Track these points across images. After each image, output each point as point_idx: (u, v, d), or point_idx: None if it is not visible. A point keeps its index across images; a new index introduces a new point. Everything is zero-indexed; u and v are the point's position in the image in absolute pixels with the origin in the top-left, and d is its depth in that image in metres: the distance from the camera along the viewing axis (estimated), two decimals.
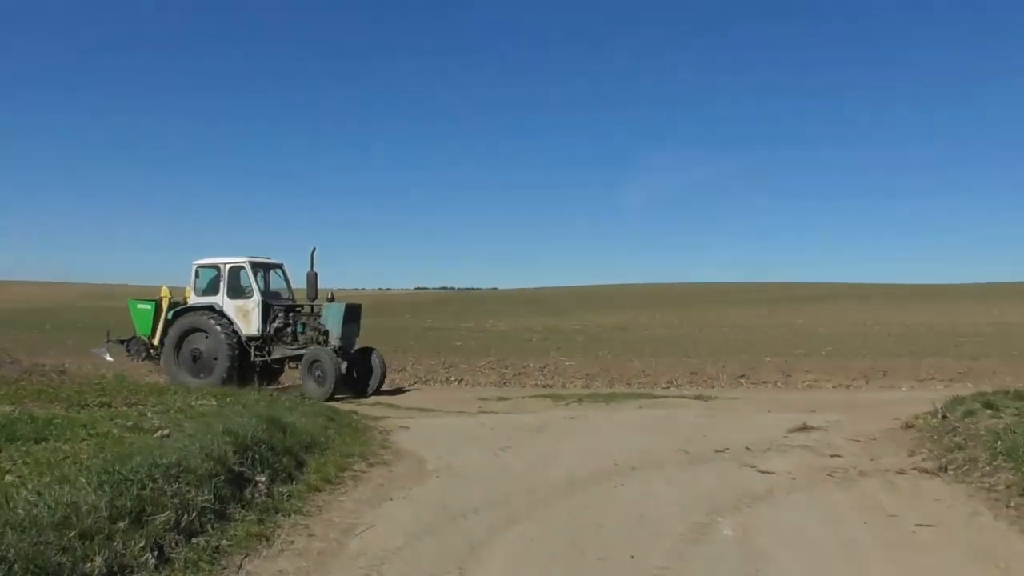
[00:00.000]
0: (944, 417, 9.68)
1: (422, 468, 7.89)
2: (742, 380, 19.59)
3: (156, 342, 17.00)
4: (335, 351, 15.48)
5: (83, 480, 4.92)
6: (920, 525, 5.84)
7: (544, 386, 18.62)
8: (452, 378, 20.26)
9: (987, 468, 7.18)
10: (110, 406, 10.36)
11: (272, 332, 16.31)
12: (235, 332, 16.06)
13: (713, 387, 18.28)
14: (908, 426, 10.09)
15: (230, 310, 16.28)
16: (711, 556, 5.12)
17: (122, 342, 17.94)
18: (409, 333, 36.18)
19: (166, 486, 5.14)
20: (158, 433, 8.53)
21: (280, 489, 6.26)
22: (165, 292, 17.49)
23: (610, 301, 78.45)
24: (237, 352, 15.90)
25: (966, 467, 7.42)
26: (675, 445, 9.19)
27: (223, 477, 5.69)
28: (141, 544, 4.42)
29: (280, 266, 17.46)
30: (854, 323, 41.75)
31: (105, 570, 4.10)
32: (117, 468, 5.16)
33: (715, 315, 51.46)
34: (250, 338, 16.18)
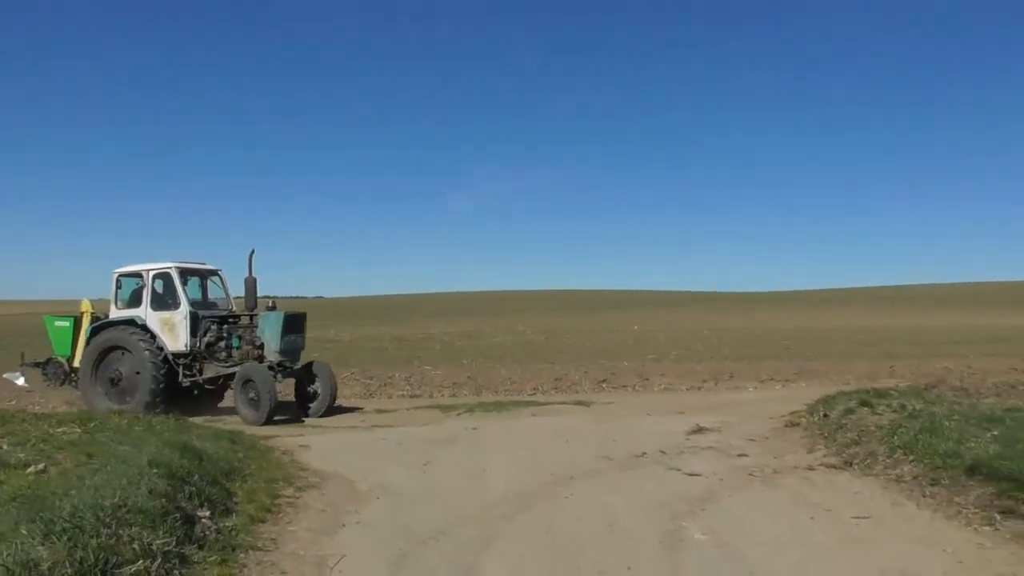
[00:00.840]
0: (825, 416, 10.51)
1: (355, 489, 7.46)
2: (604, 384, 20.20)
3: (76, 363, 14.80)
4: (272, 367, 13.64)
5: (23, 532, 4.21)
6: (856, 517, 6.27)
7: (412, 396, 18.25)
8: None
9: (888, 461, 7.86)
10: None
11: (203, 348, 14.19)
12: (160, 349, 13.96)
13: (578, 392, 18.72)
14: (792, 424, 10.87)
15: (154, 324, 14.17)
16: (704, 561, 5.22)
17: (37, 365, 15.59)
18: None
19: (120, 531, 4.49)
20: (30, 469, 7.58)
21: (224, 524, 5.68)
22: (86, 306, 15.18)
23: (448, 309, 78.65)
24: (163, 372, 13.77)
25: (867, 461, 8.08)
26: (593, 452, 9.32)
27: (175, 516, 5.07)
28: None
29: (216, 272, 15.39)
30: (685, 328, 44.46)
31: None
32: (60, 516, 4.45)
33: (553, 322, 52.91)
34: (177, 355, 14.06)
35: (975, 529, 5.72)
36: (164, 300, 14.37)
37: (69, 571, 3.84)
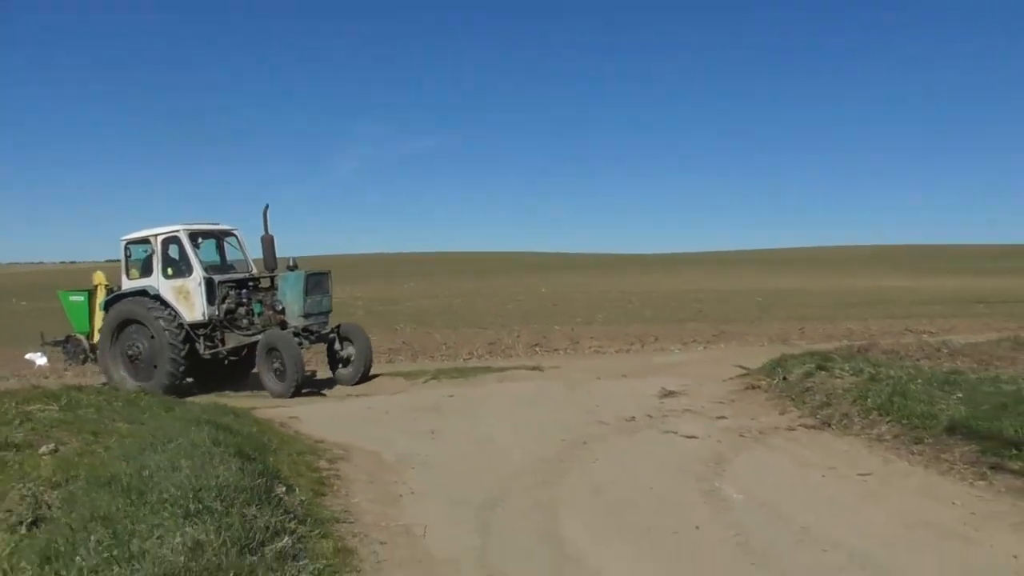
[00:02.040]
0: (785, 379, 11.36)
1: (382, 460, 7.65)
2: (536, 348, 20.75)
3: (96, 340, 13.99)
4: (297, 333, 12.80)
5: (166, 515, 4.26)
6: (861, 474, 7.00)
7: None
8: None
9: (864, 422, 8.66)
10: None
11: (222, 316, 13.19)
12: (177, 320, 12.97)
13: (511, 356, 19.19)
14: (752, 387, 11.66)
15: (168, 293, 13.16)
16: (758, 520, 5.74)
17: (57, 343, 14.74)
18: None
19: (243, 510, 4.58)
20: (42, 449, 7.44)
21: (298, 498, 5.78)
22: (99, 278, 14.23)
23: (351, 272, 77.48)
24: (182, 345, 12.82)
25: (843, 422, 8.86)
26: (583, 418, 9.78)
27: (274, 493, 5.16)
28: None
29: (232, 232, 14.31)
30: (594, 291, 45.77)
31: None
32: (183, 496, 4.49)
33: (466, 286, 53.22)
34: (196, 325, 13.05)
35: (971, 483, 6.50)
36: (176, 266, 13.40)
37: (232, 550, 3.93)
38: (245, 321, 13.40)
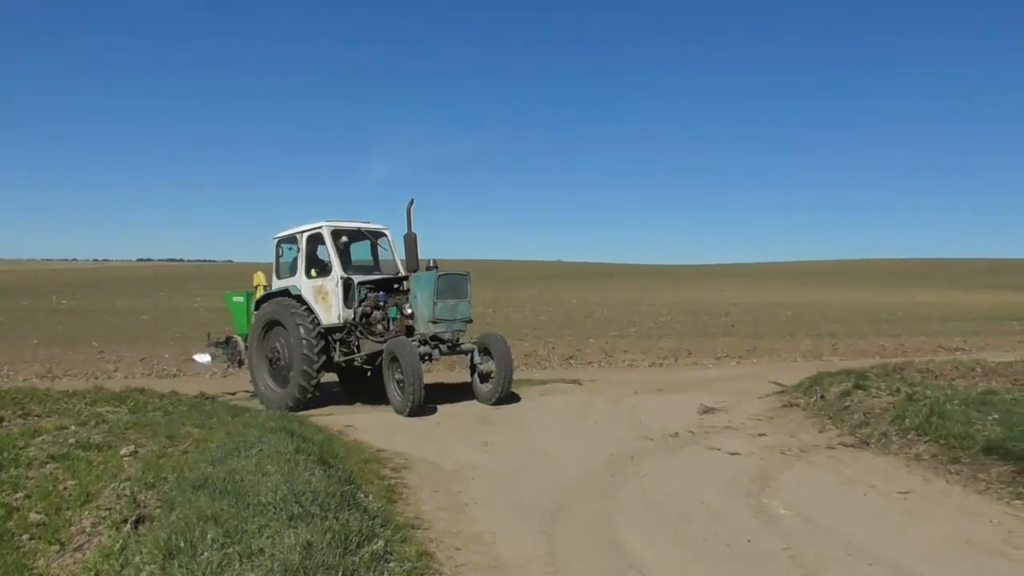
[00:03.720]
0: (822, 397, 11.66)
1: (443, 470, 8.09)
2: (571, 361, 21.15)
3: None
4: (424, 342, 11.90)
5: (272, 517, 4.74)
6: (901, 492, 7.30)
7: None
8: None
9: (902, 442, 8.96)
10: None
11: (357, 319, 12.44)
12: (316, 323, 12.38)
13: (546, 368, 19.61)
14: (791, 405, 11.97)
15: (308, 293, 12.68)
16: (805, 535, 6.08)
17: (219, 344, 14.82)
18: (200, 315, 33.86)
19: (338, 514, 5.04)
20: (123, 451, 7.92)
21: (373, 504, 6.23)
22: (259, 279, 14.18)
23: None
24: (318, 350, 12.12)
25: (882, 441, 9.17)
26: (629, 432, 10.16)
27: (358, 499, 5.62)
28: None
29: (382, 233, 13.68)
30: (625, 301, 46.03)
31: None
32: (284, 501, 4.97)
33: (491, 295, 53.70)
34: (332, 329, 12.45)
35: (1008, 503, 6.81)
36: (319, 266, 12.91)
37: (337, 551, 4.38)
38: (380, 326, 12.51)
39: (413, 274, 12.32)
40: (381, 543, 4.75)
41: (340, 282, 12.30)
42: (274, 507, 4.95)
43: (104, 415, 9.78)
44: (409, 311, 12.19)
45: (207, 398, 11.77)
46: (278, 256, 13.53)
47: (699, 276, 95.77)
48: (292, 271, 13.14)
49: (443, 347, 12.06)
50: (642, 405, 12.38)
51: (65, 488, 6.47)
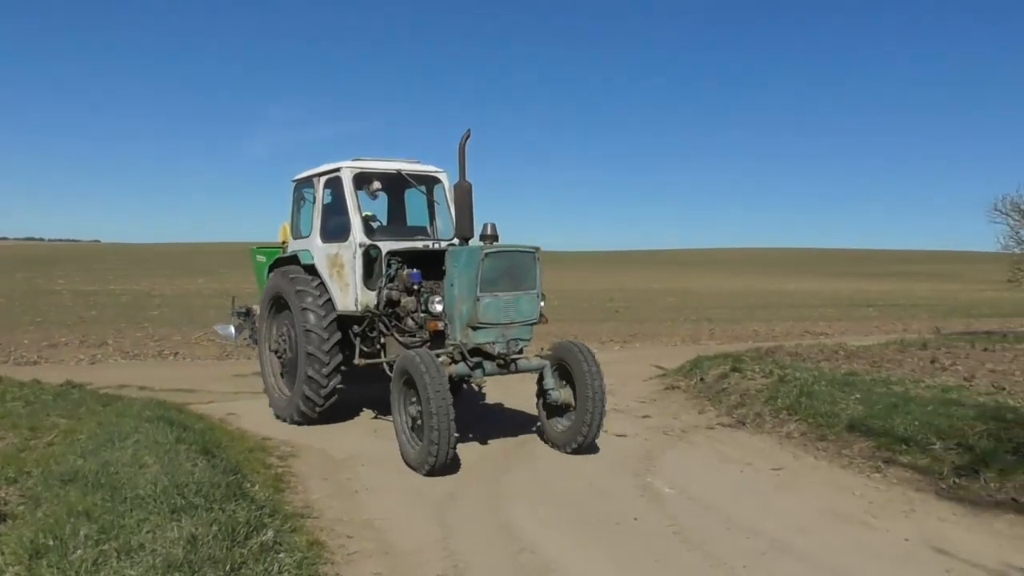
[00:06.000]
0: (702, 380, 12.18)
1: (332, 458, 7.92)
2: None
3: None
4: (462, 356, 7.77)
5: (154, 510, 4.49)
6: (774, 469, 7.74)
7: None
8: (166, 351, 18.81)
9: (774, 421, 9.48)
10: None
11: (383, 306, 8.65)
12: (330, 307, 9.01)
13: None
14: (672, 388, 12.45)
15: (321, 264, 9.19)
16: (689, 511, 6.35)
17: (239, 314, 11.91)
18: (64, 298, 31.79)
19: (224, 505, 4.85)
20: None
21: (260, 494, 6.04)
22: (284, 232, 10.46)
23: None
24: (329, 347, 8.80)
25: (757, 421, 9.67)
26: (519, 418, 10.27)
27: (244, 489, 5.42)
28: None
29: (436, 180, 9.84)
30: None
31: None
32: (166, 494, 4.73)
33: None
34: (350, 317, 8.93)
35: (868, 476, 7.34)
36: (337, 224, 9.19)
37: (223, 543, 4.21)
38: (412, 320, 8.59)
39: (451, 247, 8.25)
40: (270, 533, 4.61)
41: (359, 251, 8.66)
42: (154, 500, 4.71)
43: None
44: (438, 307, 8.19)
45: (74, 387, 11.04)
46: (296, 206, 10.11)
47: (585, 263, 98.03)
48: (307, 229, 9.66)
49: (490, 364, 7.92)
50: (531, 390, 12.53)
51: None
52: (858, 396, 9.41)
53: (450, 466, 7.09)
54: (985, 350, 15.10)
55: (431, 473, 6.99)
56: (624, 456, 8.15)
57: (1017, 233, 24.71)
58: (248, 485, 5.85)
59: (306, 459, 7.77)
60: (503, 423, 9.67)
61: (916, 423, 8.02)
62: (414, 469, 7.22)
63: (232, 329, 12.09)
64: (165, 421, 7.24)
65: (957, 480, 6.84)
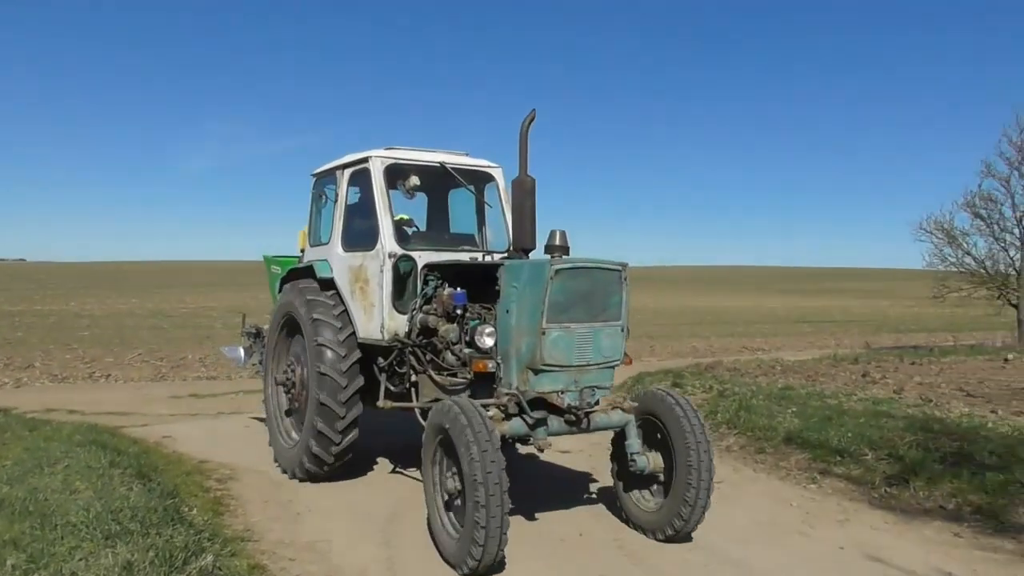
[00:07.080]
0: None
1: (272, 479, 7.75)
2: None
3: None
4: (519, 408, 5.70)
5: (86, 535, 4.33)
6: (716, 482, 7.79)
7: (210, 378, 18.17)
8: (97, 374, 18.26)
9: (715, 435, 9.59)
10: None
11: (416, 334, 6.78)
12: (351, 331, 7.22)
13: None
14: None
15: (342, 277, 7.44)
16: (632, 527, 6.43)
17: (249, 334, 10.19)
18: None
19: (160, 530, 4.72)
20: None
21: (200, 518, 5.89)
22: (303, 239, 8.68)
23: (204, 280, 73.99)
24: (348, 380, 7.01)
25: None
26: None
27: (182, 513, 5.27)
28: None
29: (489, 177, 8.00)
30: None
31: None
32: (100, 520, 4.57)
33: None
34: (376, 348, 7.08)
35: (804, 487, 7.55)
36: (362, 229, 7.36)
37: (160, 569, 4.10)
38: (451, 355, 6.53)
39: (507, 261, 6.24)
40: (209, 558, 4.49)
41: (388, 263, 6.83)
42: (87, 526, 4.56)
43: None
44: (488, 340, 6.10)
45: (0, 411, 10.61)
46: (315, 207, 8.31)
47: None
48: (327, 235, 7.89)
49: (556, 420, 5.89)
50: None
51: None
52: (794, 410, 9.68)
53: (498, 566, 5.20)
54: (913, 364, 15.71)
55: (474, 572, 5.08)
56: (568, 472, 8.21)
57: (941, 251, 25.93)
58: (186, 509, 5.71)
59: (246, 481, 7.60)
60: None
61: (849, 435, 8.29)
62: (452, 566, 5.28)
63: (241, 352, 10.25)
64: (97, 445, 7.02)
65: (888, 489, 7.10)
